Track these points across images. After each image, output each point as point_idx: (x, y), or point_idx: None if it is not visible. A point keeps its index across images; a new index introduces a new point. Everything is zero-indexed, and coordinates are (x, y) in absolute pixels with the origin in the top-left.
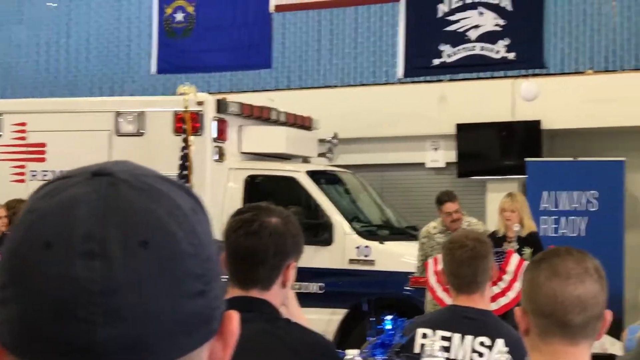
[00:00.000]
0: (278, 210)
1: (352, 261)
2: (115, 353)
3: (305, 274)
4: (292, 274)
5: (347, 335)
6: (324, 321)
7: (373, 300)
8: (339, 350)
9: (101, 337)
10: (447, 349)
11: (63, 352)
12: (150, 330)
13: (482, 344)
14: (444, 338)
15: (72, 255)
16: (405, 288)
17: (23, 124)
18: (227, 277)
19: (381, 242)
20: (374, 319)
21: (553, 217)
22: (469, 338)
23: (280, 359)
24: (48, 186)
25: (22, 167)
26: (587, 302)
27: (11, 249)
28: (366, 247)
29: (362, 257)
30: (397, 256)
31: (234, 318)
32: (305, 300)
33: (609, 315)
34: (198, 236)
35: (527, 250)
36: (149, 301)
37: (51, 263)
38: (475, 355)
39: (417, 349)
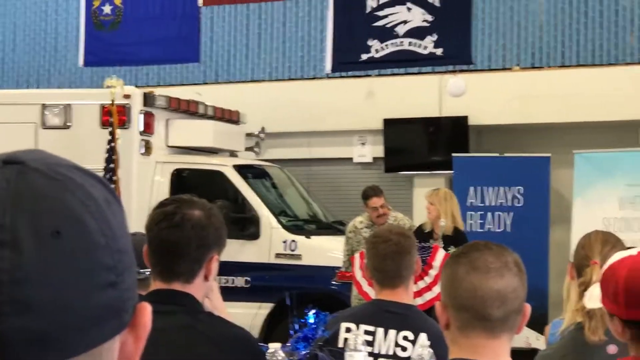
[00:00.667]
0: (200, 203)
1: (278, 255)
2: (22, 345)
3: (232, 268)
4: (214, 267)
5: (274, 329)
6: (250, 315)
7: (295, 294)
8: (262, 344)
9: (7, 329)
10: (370, 343)
11: None
12: (59, 322)
13: (405, 338)
14: (367, 332)
15: None
16: (331, 283)
17: None
18: (149, 270)
19: (308, 237)
20: (297, 313)
21: (479, 213)
22: (392, 332)
23: (203, 352)
24: None
25: None
26: (507, 296)
27: None
28: (293, 241)
29: (289, 252)
30: (323, 251)
31: (146, 310)
32: (232, 294)
33: (528, 309)
34: (111, 227)
35: (453, 249)
36: (59, 292)
37: None
38: (398, 349)
39: (340, 344)
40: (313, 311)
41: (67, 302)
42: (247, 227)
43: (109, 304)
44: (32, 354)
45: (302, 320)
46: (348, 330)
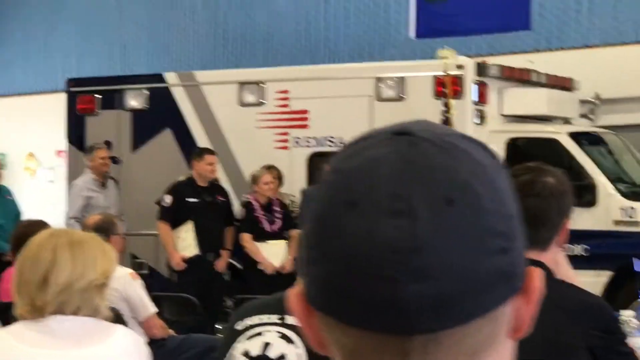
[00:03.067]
0: (552, 170)
1: (616, 222)
2: (421, 310)
3: (570, 236)
4: (566, 233)
5: (613, 297)
6: (588, 283)
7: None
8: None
9: (407, 295)
10: None
11: (369, 310)
12: (456, 288)
13: None
14: None
15: (378, 214)
16: None
17: (285, 92)
18: None
19: None
20: None
21: None
22: None
23: (554, 320)
24: (349, 147)
25: (285, 134)
26: None
27: (317, 210)
28: (631, 208)
29: (627, 218)
30: None
31: (537, 275)
32: (570, 262)
33: None
34: (499, 194)
35: None
36: (454, 259)
37: (357, 222)
38: None
39: None
40: None
41: (462, 268)
42: (584, 194)
43: (501, 269)
44: (431, 319)
45: None
46: None
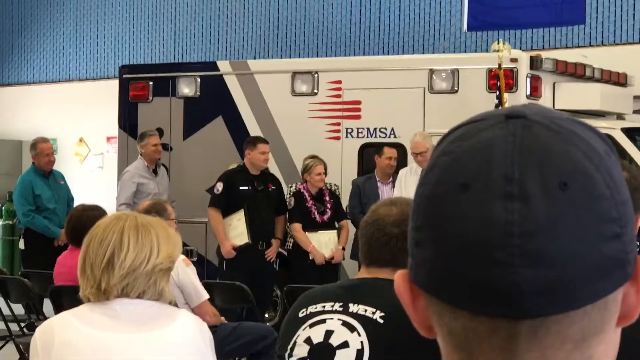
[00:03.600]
0: (624, 164)
1: None
2: (532, 295)
3: None
4: (637, 229)
5: None
6: None
7: None
8: None
9: (520, 280)
10: None
11: (479, 293)
12: (568, 273)
13: None
14: None
15: (491, 197)
16: None
17: (338, 82)
18: None
19: None
20: None
21: None
22: None
23: None
24: (459, 129)
25: (337, 124)
26: None
27: (426, 191)
28: None
29: None
30: None
31: None
32: None
33: None
34: (613, 179)
35: None
36: (568, 244)
37: (468, 205)
38: None
39: None
40: None
41: (575, 253)
42: None
43: (613, 255)
44: (542, 304)
45: None
46: None
